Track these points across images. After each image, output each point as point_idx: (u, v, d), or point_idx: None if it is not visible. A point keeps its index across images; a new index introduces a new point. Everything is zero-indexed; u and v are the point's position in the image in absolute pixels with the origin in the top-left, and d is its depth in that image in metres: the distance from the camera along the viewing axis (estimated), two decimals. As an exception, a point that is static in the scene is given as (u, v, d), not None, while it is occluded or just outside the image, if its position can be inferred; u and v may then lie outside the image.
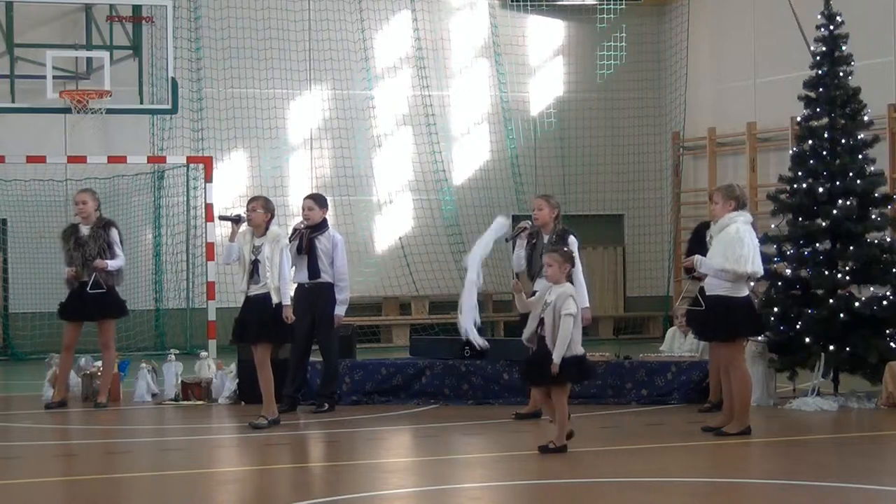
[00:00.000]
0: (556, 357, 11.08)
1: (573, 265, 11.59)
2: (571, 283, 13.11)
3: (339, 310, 14.24)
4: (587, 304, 13.32)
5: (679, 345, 15.17)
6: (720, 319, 12.25)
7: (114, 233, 14.85)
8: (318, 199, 14.41)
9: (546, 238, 13.43)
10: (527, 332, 11.37)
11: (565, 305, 11.11)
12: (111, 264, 14.71)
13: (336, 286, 14.22)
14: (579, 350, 11.21)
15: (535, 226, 13.54)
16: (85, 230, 14.81)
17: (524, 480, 10.45)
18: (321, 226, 14.23)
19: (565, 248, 12.20)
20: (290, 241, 13.84)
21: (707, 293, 12.40)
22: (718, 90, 24.63)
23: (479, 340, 13.56)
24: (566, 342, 11.08)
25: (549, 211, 13.47)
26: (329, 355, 14.29)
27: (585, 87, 25.39)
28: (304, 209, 14.30)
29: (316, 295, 13.97)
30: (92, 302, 14.71)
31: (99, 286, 14.67)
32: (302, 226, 14.14)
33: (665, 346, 15.47)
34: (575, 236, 13.45)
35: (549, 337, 11.15)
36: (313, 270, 14.01)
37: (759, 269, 12.24)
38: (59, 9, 22.40)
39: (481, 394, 14.83)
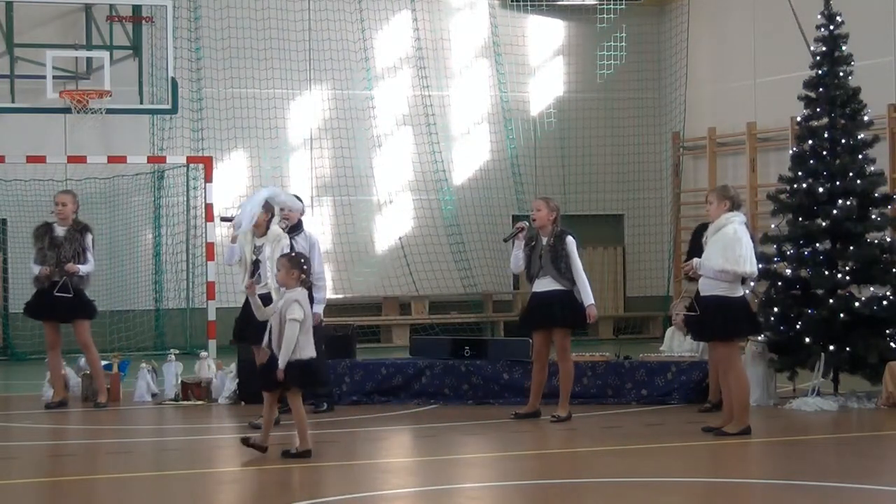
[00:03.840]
0: (281, 362, 11.04)
1: (301, 270, 11.27)
2: (574, 281, 13.22)
3: (318, 308, 14.20)
4: (592, 301, 13.36)
5: (679, 343, 15.15)
6: (717, 320, 12.27)
7: (89, 238, 14.83)
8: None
9: (544, 240, 13.44)
10: (265, 338, 11.29)
11: (290, 310, 11.06)
12: (83, 269, 14.69)
13: (314, 286, 14.18)
14: (306, 354, 11.13)
15: (533, 227, 13.55)
16: (60, 231, 14.76)
17: (524, 480, 10.46)
18: (298, 226, 14.21)
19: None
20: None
21: (702, 294, 12.42)
22: (718, 90, 24.62)
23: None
24: (290, 347, 11.02)
25: (548, 213, 13.49)
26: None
27: (585, 87, 25.38)
28: (283, 209, 14.25)
29: None
30: (60, 304, 14.68)
31: (66, 290, 14.63)
32: (283, 226, 14.10)
33: (664, 345, 15.46)
34: (573, 237, 13.46)
35: (275, 342, 11.11)
36: None
37: (755, 269, 12.32)
38: (59, 9, 22.39)
39: (481, 394, 14.84)
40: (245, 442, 11.32)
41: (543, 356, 13.62)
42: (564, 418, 13.31)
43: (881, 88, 20.35)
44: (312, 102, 24.14)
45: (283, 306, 11.14)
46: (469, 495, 9.99)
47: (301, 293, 11.24)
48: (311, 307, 13.96)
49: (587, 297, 13.34)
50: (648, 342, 21.75)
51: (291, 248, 13.93)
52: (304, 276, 11.29)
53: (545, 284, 13.44)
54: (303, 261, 11.39)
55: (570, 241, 13.39)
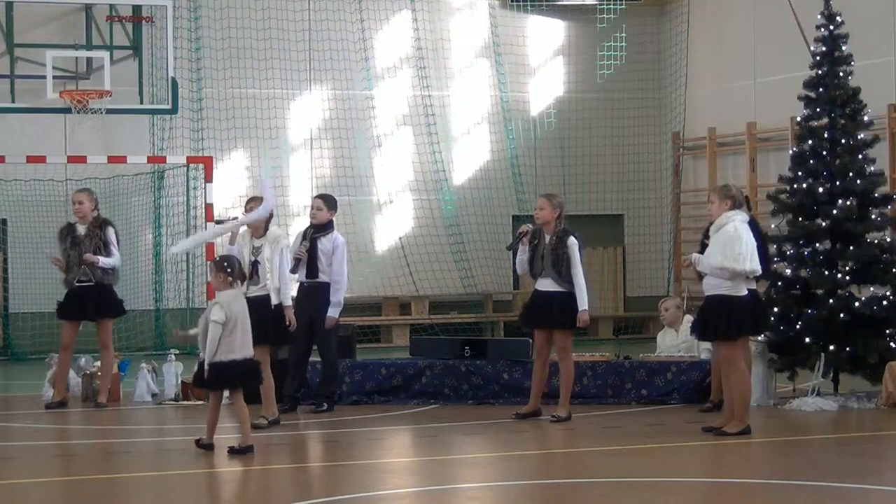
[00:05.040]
0: (206, 363, 11.38)
1: (225, 272, 11.54)
2: (572, 283, 13.21)
3: (332, 311, 14.25)
4: (586, 307, 13.33)
5: (672, 338, 15.12)
6: (720, 319, 12.26)
7: (110, 232, 14.87)
8: (327, 201, 14.43)
9: (547, 238, 13.43)
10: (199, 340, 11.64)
11: (211, 313, 11.38)
12: (103, 261, 14.72)
13: (331, 288, 14.24)
14: (230, 356, 11.38)
15: (536, 225, 13.54)
16: (81, 230, 14.84)
17: (524, 480, 10.46)
18: (326, 227, 14.25)
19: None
20: (300, 243, 13.95)
21: (706, 293, 12.43)
22: (718, 90, 24.62)
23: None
24: (211, 348, 11.34)
25: (551, 211, 13.46)
26: (327, 355, 14.30)
27: (585, 87, 25.38)
28: (312, 207, 14.34)
29: (314, 294, 13.97)
30: (90, 301, 14.73)
31: (87, 279, 14.67)
32: (311, 223, 14.26)
33: (659, 347, 15.39)
34: (576, 237, 13.43)
35: (199, 343, 11.48)
36: (311, 270, 14.04)
37: (756, 267, 12.29)
38: (59, 9, 22.39)
39: (481, 394, 14.83)
40: (197, 443, 11.60)
41: (544, 354, 13.61)
42: (564, 418, 13.30)
43: (881, 88, 20.35)
44: (312, 102, 24.14)
45: (208, 308, 11.46)
46: (469, 495, 9.99)
47: (225, 296, 11.48)
48: (326, 310, 14.10)
49: (582, 301, 13.31)
50: (648, 342, 21.71)
51: (315, 247, 14.00)
52: (230, 277, 11.54)
53: (546, 285, 13.43)
54: (226, 264, 11.64)
55: (572, 243, 13.36)
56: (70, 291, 14.90)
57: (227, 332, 11.33)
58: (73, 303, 14.88)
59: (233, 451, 11.35)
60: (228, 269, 11.54)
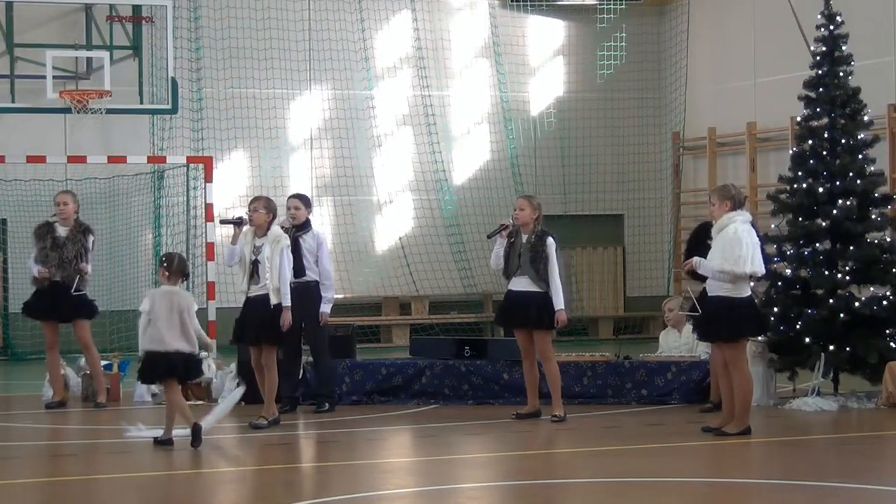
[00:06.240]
0: (139, 351, 12.04)
1: (179, 275, 12.06)
2: (548, 283, 13.26)
3: (325, 307, 14.25)
4: (562, 307, 13.33)
5: (674, 339, 15.12)
6: (723, 320, 12.26)
7: (90, 240, 14.85)
8: (304, 199, 14.45)
9: (525, 238, 13.44)
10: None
11: (141, 303, 11.99)
12: (89, 269, 14.73)
13: (322, 284, 14.24)
14: (151, 347, 11.84)
15: (515, 224, 13.54)
16: (62, 231, 14.76)
17: (524, 480, 10.46)
18: (305, 225, 14.25)
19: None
20: None
21: (709, 294, 12.42)
22: (718, 90, 24.62)
23: None
24: (141, 335, 11.92)
25: (531, 212, 13.49)
26: (320, 355, 14.29)
27: (585, 87, 25.38)
28: (289, 208, 14.30)
29: (302, 294, 13.86)
30: (61, 304, 14.68)
31: (80, 289, 14.66)
32: (288, 224, 14.15)
33: (661, 347, 15.39)
34: (553, 238, 13.46)
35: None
36: (298, 269, 13.98)
37: (759, 268, 12.25)
38: (59, 9, 22.39)
39: (481, 394, 14.84)
40: (156, 441, 11.98)
41: (530, 354, 13.61)
42: (563, 418, 13.29)
43: (881, 88, 20.35)
44: (312, 102, 24.14)
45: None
46: (469, 495, 9.99)
47: (156, 289, 12.16)
48: (316, 308, 14.10)
49: (558, 301, 13.32)
50: (648, 342, 21.73)
51: (298, 246, 13.99)
52: (166, 272, 12.04)
53: (522, 284, 13.42)
54: (164, 259, 12.24)
55: (551, 243, 13.37)
56: (41, 290, 14.84)
57: (152, 322, 11.77)
58: (43, 301, 14.84)
59: (155, 442, 11.88)
60: (165, 264, 12.07)
